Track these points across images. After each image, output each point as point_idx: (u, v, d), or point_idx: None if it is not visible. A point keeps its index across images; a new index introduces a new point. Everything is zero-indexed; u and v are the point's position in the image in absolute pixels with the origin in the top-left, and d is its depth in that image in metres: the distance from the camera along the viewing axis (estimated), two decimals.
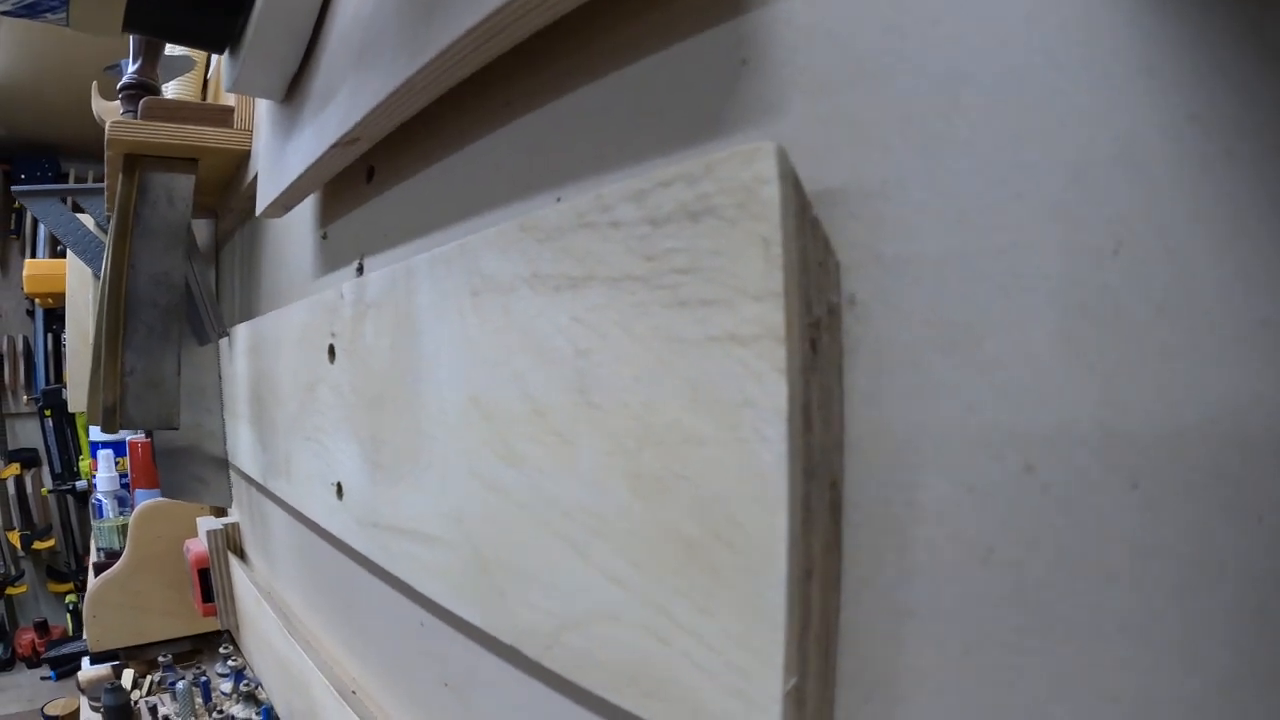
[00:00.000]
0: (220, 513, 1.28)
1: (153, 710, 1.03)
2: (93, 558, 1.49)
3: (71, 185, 1.37)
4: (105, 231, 1.19)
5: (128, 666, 1.20)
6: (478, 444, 0.36)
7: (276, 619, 0.87)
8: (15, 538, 3.48)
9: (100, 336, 0.97)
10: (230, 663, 1.07)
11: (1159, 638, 0.18)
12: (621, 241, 0.27)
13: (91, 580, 1.27)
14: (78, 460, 2.42)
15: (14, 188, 1.59)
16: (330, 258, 0.67)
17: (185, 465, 1.07)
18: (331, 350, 0.55)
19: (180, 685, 1.01)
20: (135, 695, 1.11)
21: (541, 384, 0.32)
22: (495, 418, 0.35)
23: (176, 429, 0.87)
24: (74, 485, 2.44)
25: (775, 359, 0.22)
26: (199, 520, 1.23)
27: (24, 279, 2.44)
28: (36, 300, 2.59)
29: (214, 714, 0.97)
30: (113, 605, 1.22)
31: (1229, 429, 0.17)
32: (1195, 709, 0.18)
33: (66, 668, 3.08)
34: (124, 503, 1.38)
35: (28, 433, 3.68)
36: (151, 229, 0.85)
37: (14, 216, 3.62)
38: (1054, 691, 0.20)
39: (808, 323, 0.22)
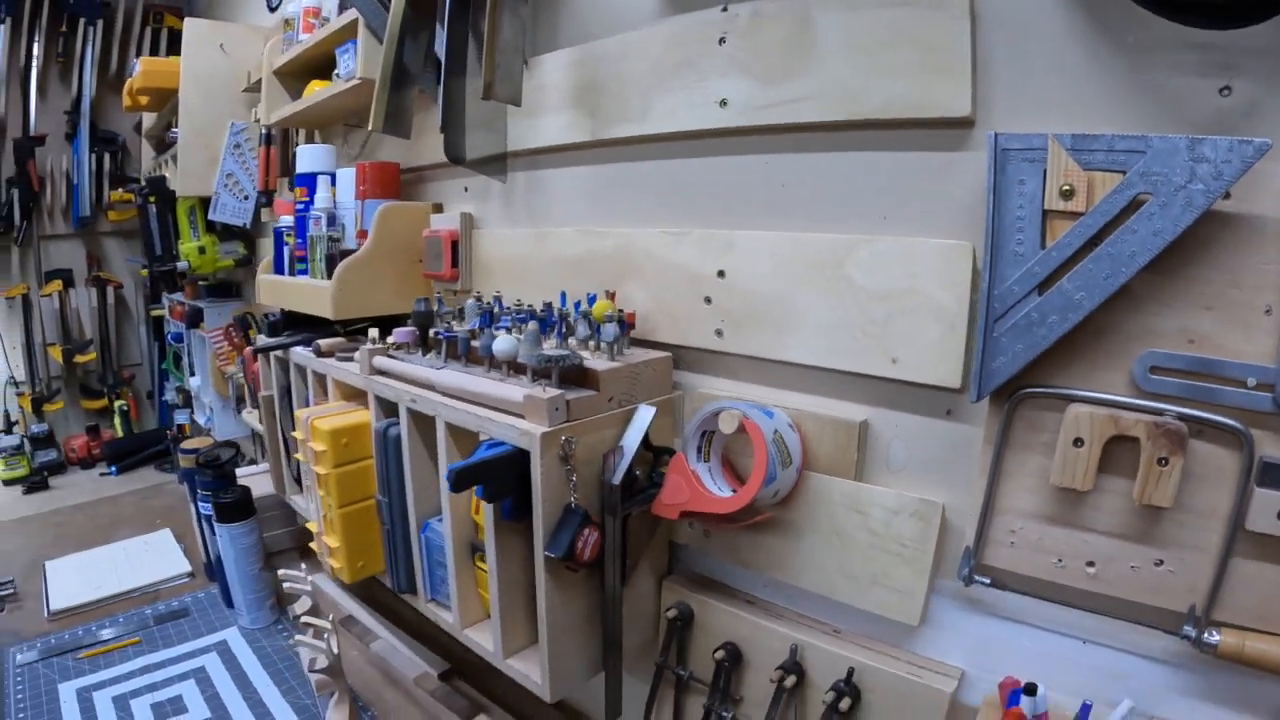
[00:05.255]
0: (439, 211, 1.67)
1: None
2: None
3: None
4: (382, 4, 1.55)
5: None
6: None
7: (573, 229, 1.28)
8: (58, 352, 3.83)
9: (389, 68, 1.44)
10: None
11: None
12: None
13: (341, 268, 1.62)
14: (176, 244, 2.75)
15: None
16: None
17: (484, 147, 1.45)
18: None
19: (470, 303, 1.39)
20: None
21: None
22: None
23: (519, 105, 1.33)
24: (174, 266, 2.77)
25: None
26: (433, 217, 1.63)
27: (138, 74, 2.75)
28: (138, 100, 2.89)
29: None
30: (354, 283, 1.60)
31: None
32: None
33: (126, 461, 3.46)
34: (333, 221, 1.73)
35: (63, 254, 4.06)
36: None
37: (61, 40, 3.85)
38: None
39: None
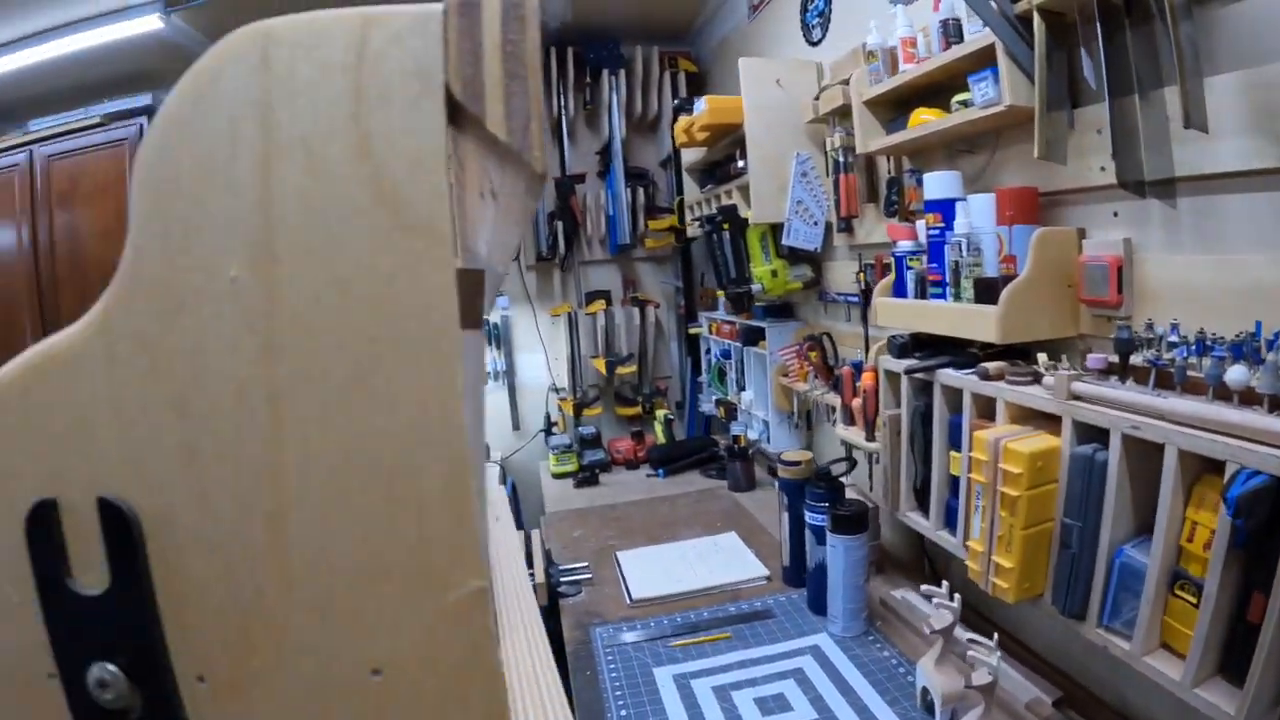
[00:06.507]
0: (1083, 235, 1.70)
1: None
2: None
3: None
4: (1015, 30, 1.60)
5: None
6: None
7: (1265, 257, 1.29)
8: (601, 364, 4.34)
9: (1044, 94, 1.51)
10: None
11: None
12: None
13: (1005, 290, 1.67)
14: (748, 267, 3.00)
15: None
16: None
17: (1153, 171, 1.46)
18: None
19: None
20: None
21: None
22: None
23: (1206, 131, 1.34)
24: (748, 288, 3.02)
25: None
26: (1085, 241, 1.65)
27: (704, 113, 3.04)
28: (694, 136, 3.19)
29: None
30: (1018, 308, 1.66)
31: None
32: None
33: (673, 465, 3.80)
34: (972, 246, 1.80)
35: (600, 277, 4.67)
36: None
37: (587, 90, 4.39)
38: None
39: None
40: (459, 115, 0.37)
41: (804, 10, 3.02)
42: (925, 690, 1.66)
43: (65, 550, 0.37)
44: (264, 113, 0.35)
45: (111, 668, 0.38)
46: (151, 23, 3.64)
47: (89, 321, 0.38)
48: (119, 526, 0.37)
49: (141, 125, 4.22)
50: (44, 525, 0.37)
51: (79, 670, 0.38)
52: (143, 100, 4.30)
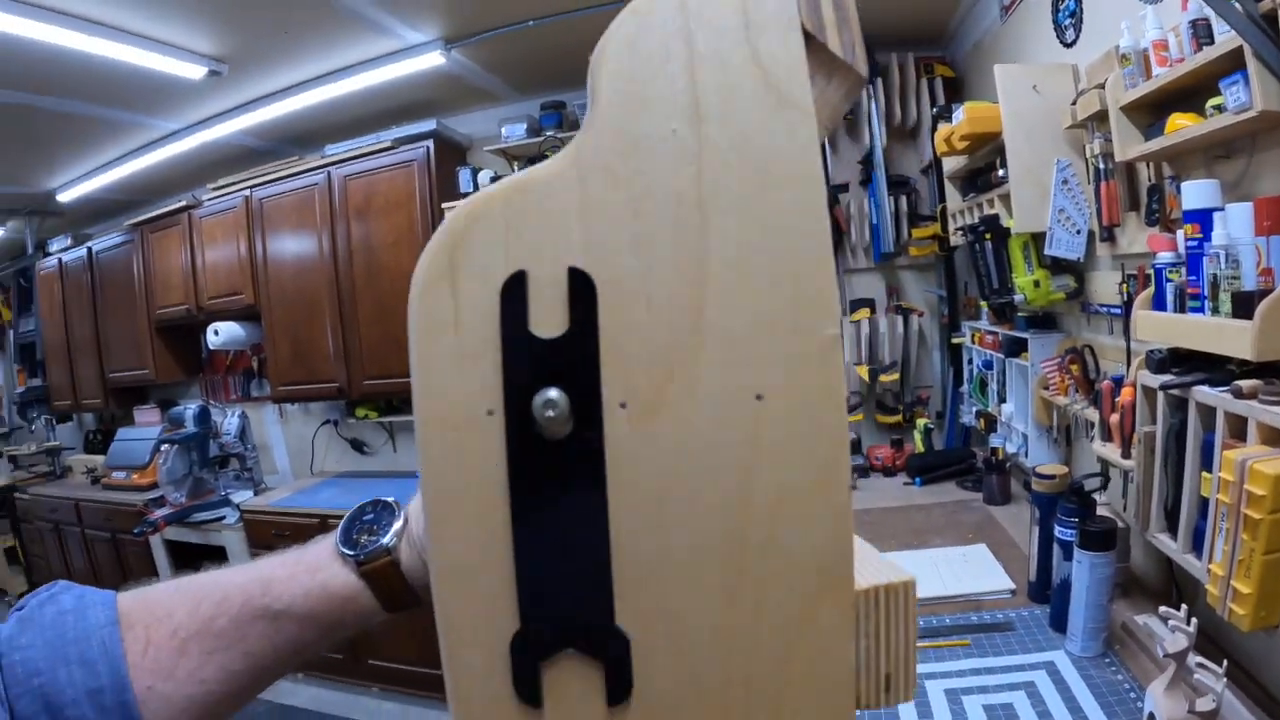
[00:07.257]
0: None
1: None
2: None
3: None
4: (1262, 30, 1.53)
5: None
6: None
7: None
8: (864, 371, 4.38)
9: None
10: None
11: None
12: None
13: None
14: (1011, 277, 2.97)
15: None
16: None
17: None
18: None
19: None
20: None
21: None
22: None
23: None
24: (1011, 299, 3.00)
25: None
26: None
27: (962, 121, 3.03)
28: (954, 145, 3.18)
29: None
30: (1273, 323, 1.58)
31: None
32: None
33: (930, 475, 3.80)
34: (1230, 258, 1.74)
35: (864, 285, 4.70)
36: None
37: None
38: None
39: None
40: (809, 41, 0.56)
41: (1055, 10, 2.95)
42: (1151, 716, 1.62)
43: (529, 308, 0.55)
44: (686, 35, 0.54)
45: (556, 392, 0.54)
46: (434, 59, 4.11)
47: (563, 157, 0.56)
48: (582, 287, 0.55)
49: (428, 148, 4.72)
50: (516, 290, 0.55)
51: (526, 397, 0.55)
52: (427, 125, 4.83)
